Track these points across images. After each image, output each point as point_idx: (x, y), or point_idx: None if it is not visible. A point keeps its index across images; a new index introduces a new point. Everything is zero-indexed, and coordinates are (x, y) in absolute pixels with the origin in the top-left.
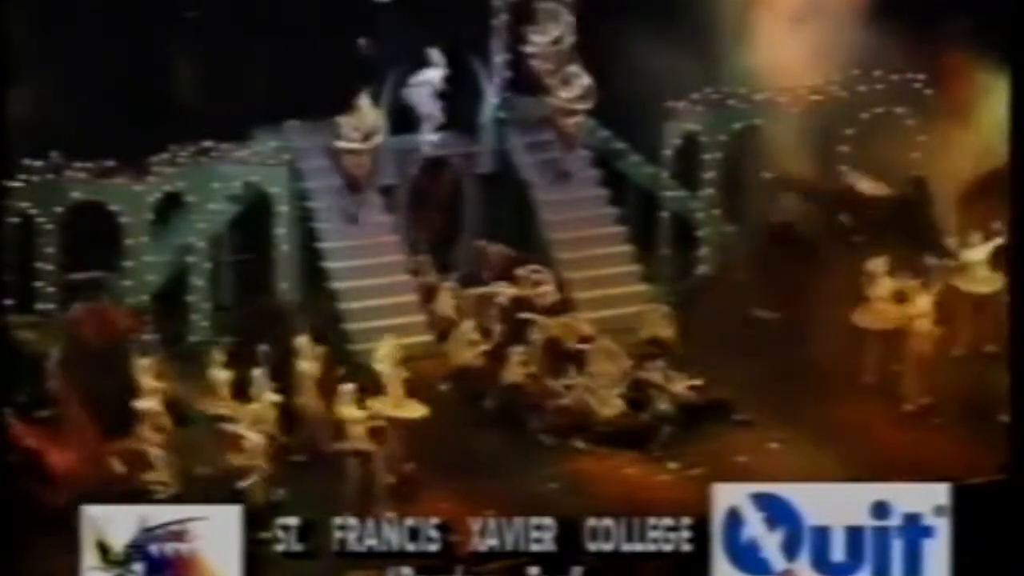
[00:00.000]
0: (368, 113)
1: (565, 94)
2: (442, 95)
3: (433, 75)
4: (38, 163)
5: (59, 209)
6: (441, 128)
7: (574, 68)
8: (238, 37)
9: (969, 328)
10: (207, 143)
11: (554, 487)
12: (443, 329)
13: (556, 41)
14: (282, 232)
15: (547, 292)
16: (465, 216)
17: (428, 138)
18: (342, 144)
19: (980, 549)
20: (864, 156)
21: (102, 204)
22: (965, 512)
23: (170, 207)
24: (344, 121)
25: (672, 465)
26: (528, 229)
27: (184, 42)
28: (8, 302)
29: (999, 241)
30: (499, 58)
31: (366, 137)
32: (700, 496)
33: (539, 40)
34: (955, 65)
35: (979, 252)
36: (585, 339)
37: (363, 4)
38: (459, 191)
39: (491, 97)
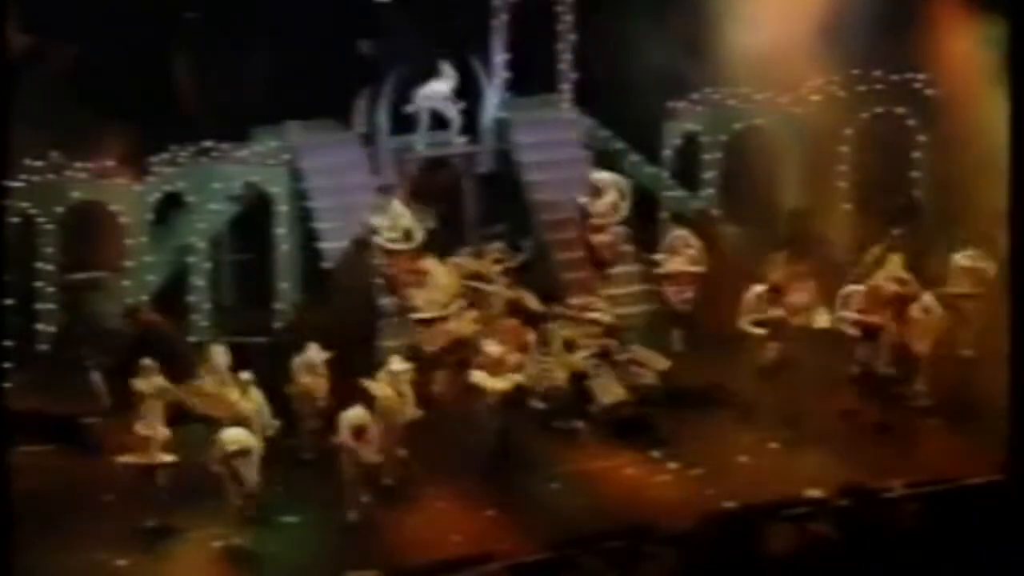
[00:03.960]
0: (442, 276)
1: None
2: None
3: (440, 88)
4: (38, 163)
5: (59, 209)
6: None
7: (629, 247)
8: (238, 37)
9: (969, 328)
10: (207, 143)
11: (554, 487)
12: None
13: (614, 209)
14: (282, 232)
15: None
16: (465, 216)
17: (427, 138)
18: (419, 316)
19: (980, 549)
20: (864, 156)
21: (102, 204)
22: (965, 512)
23: (170, 207)
24: (418, 293)
25: (672, 465)
26: (527, 229)
27: (184, 42)
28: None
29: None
30: (499, 58)
31: (444, 307)
32: (700, 496)
33: (598, 210)
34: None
35: (975, 251)
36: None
37: (363, 4)
38: (459, 191)
39: (491, 97)
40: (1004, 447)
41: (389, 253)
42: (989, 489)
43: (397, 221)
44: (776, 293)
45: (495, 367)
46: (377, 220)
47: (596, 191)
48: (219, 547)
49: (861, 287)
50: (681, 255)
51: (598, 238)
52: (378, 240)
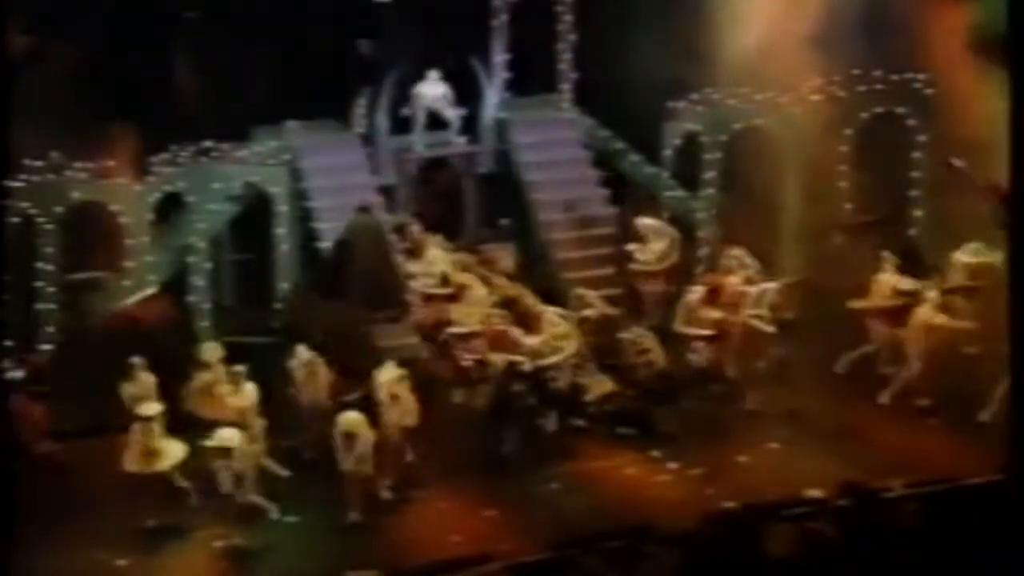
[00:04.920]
0: (478, 290)
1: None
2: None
3: (433, 90)
4: (38, 163)
5: (59, 209)
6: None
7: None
8: (238, 37)
9: (969, 327)
10: (207, 143)
11: (554, 487)
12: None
13: (662, 258)
14: (282, 232)
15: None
16: (465, 216)
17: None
18: (457, 331)
19: (980, 549)
20: (864, 156)
21: (102, 204)
22: (965, 512)
23: (170, 207)
24: (455, 308)
25: (672, 465)
26: (527, 229)
27: (184, 42)
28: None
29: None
30: (499, 58)
31: (481, 320)
32: (700, 496)
33: (646, 258)
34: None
35: (972, 251)
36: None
37: (363, 4)
38: (459, 191)
39: (491, 97)
40: (1004, 447)
41: (425, 298)
42: (989, 489)
43: (432, 267)
44: (715, 294)
45: (495, 343)
46: (412, 266)
47: (641, 237)
48: (219, 547)
49: (775, 284)
50: (737, 275)
51: (647, 287)
52: (415, 285)
